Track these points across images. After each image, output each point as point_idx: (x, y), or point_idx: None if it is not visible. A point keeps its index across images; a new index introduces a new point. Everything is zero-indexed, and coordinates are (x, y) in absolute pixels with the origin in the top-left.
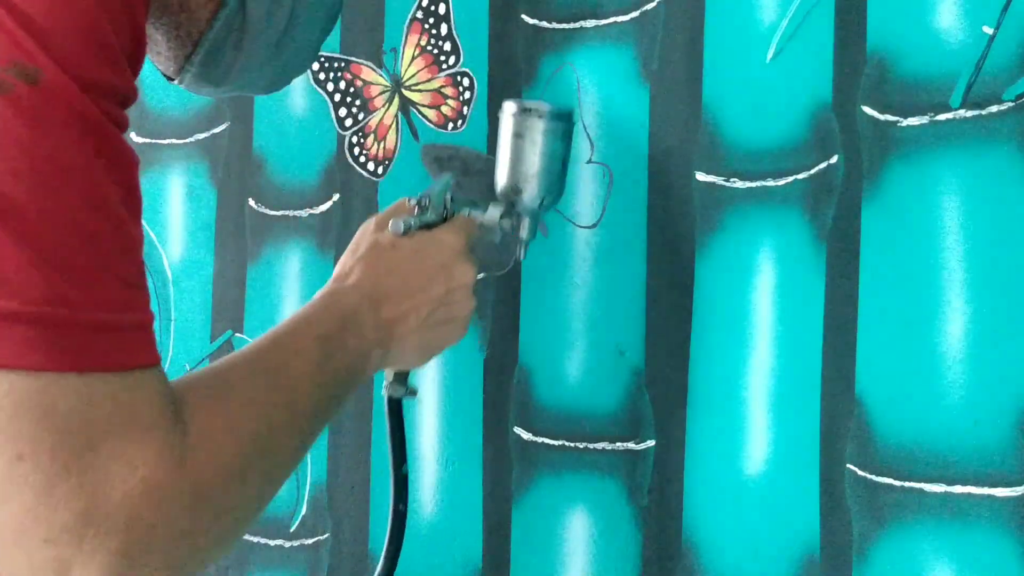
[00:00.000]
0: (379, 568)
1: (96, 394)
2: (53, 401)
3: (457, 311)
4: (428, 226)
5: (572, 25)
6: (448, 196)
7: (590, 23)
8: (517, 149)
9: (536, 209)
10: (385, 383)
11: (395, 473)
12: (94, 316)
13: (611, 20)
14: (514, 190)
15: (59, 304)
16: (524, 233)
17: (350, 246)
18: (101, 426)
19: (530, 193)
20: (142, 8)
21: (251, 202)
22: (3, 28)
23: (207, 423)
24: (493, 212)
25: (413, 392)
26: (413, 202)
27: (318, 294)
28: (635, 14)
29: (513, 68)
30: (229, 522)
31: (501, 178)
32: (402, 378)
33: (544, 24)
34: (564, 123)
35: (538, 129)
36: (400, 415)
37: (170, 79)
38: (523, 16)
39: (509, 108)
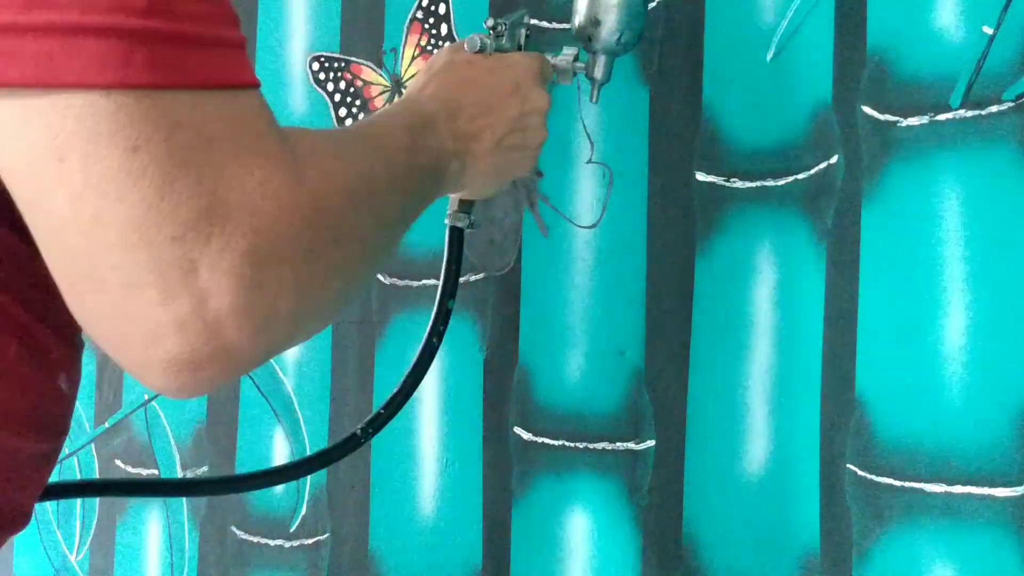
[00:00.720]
0: (395, 393)
1: (205, 104)
2: (163, 109)
3: (530, 137)
4: (503, 51)
5: None
6: (522, 31)
7: None
8: None
9: (613, 45)
10: (449, 211)
11: (441, 303)
12: (195, 29)
13: None
14: (592, 22)
15: (160, 16)
16: (599, 73)
17: (424, 66)
18: (213, 129)
19: (609, 26)
20: None
21: None
22: None
23: (316, 148)
24: (567, 52)
25: (473, 224)
26: (488, 24)
27: (394, 103)
28: None
29: None
30: (349, 253)
31: (580, 11)
32: (467, 207)
33: (544, 24)
34: None
35: None
36: (460, 246)
37: None
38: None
39: None
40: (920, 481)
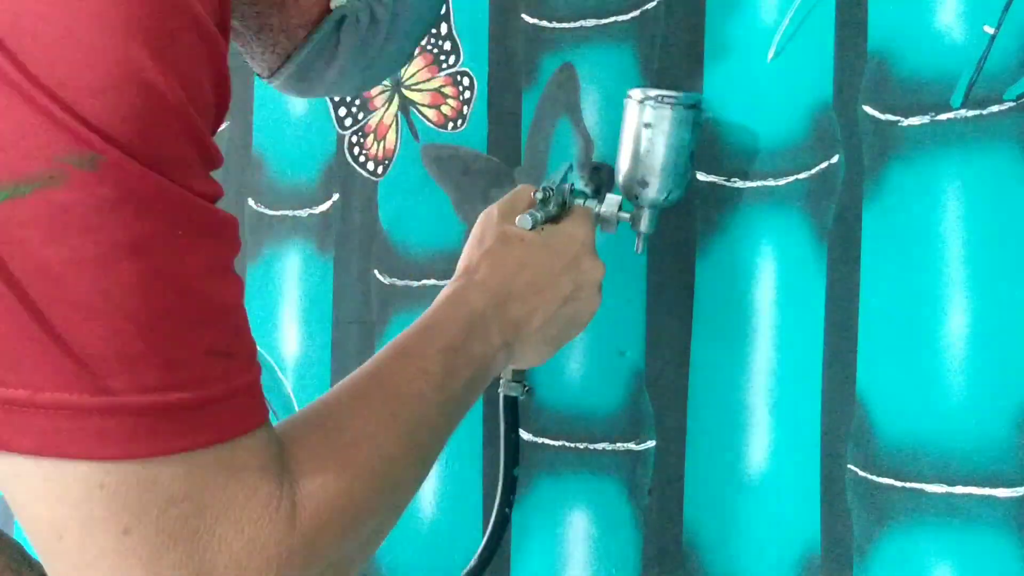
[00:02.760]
0: (471, 567)
1: (196, 468)
2: (155, 480)
3: (583, 307)
4: (552, 219)
5: (572, 24)
6: (568, 187)
7: (590, 22)
8: (644, 140)
9: (661, 203)
10: (502, 381)
11: (506, 474)
12: (180, 396)
13: (611, 20)
14: (640, 183)
15: (138, 391)
16: (644, 227)
17: (473, 236)
18: (205, 495)
19: (655, 187)
20: (220, 53)
21: (250, 202)
22: (52, 119)
23: (317, 470)
24: (611, 202)
25: (530, 391)
26: (537, 194)
27: (443, 294)
28: (635, 14)
29: (513, 68)
30: (346, 565)
31: (625, 169)
32: (520, 376)
33: (544, 23)
34: (695, 111)
35: (668, 118)
36: (516, 414)
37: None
38: (523, 16)
39: (636, 95)
40: (921, 482)
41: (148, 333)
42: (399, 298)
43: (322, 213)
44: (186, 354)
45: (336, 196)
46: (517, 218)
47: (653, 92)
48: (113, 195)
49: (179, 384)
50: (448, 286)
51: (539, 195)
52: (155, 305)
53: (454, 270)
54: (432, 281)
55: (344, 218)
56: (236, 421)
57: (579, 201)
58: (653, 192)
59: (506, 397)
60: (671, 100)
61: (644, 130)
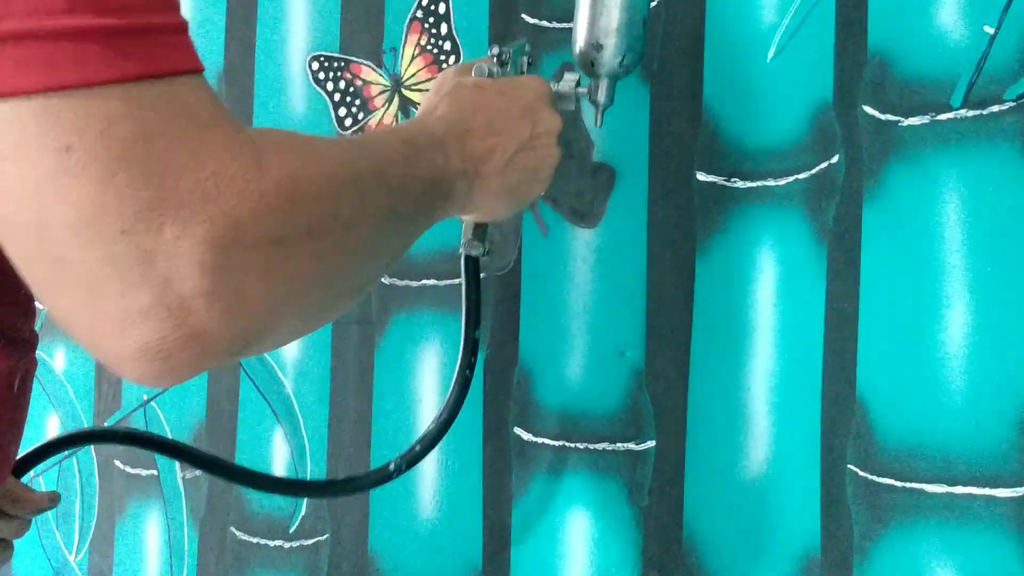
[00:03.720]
0: (430, 429)
1: (140, 98)
2: (94, 106)
3: (542, 158)
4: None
5: (572, 24)
6: (525, 59)
7: None
8: (596, 3)
9: (616, 68)
10: (463, 240)
11: (467, 335)
12: (125, 20)
13: None
14: (595, 47)
15: (83, 12)
16: (602, 96)
17: (432, 87)
18: (152, 123)
19: (610, 50)
20: None
21: None
22: None
23: (282, 141)
24: (569, 78)
25: (488, 252)
26: (493, 52)
27: (399, 127)
28: None
29: None
30: (329, 245)
31: (580, 36)
32: (480, 234)
33: (544, 24)
34: None
35: None
36: (477, 274)
37: None
38: (523, 15)
39: None
40: (921, 482)
41: None
42: (399, 298)
43: None
44: None
45: None
46: (474, 69)
47: None
48: None
49: (105, 7)
50: (405, 123)
51: (495, 50)
52: None
53: (454, 270)
54: (432, 281)
55: None
56: (176, 56)
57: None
58: (609, 54)
59: (467, 257)
60: None
61: None
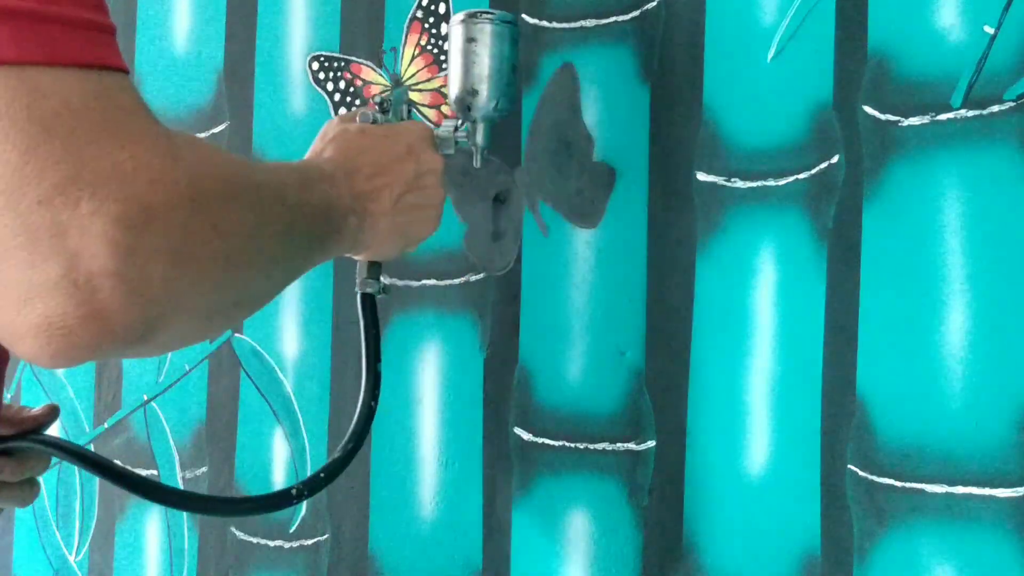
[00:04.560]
0: (335, 457)
1: (71, 81)
2: (25, 81)
3: (429, 197)
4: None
5: (572, 25)
6: (405, 107)
7: (590, 23)
8: (469, 53)
9: (491, 113)
10: (358, 280)
11: (369, 369)
12: (64, 10)
13: (611, 20)
14: (470, 92)
15: None
16: (480, 139)
17: (318, 135)
18: (79, 103)
19: (484, 95)
20: None
21: None
22: None
23: (194, 140)
24: (447, 124)
25: (385, 290)
26: (375, 98)
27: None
28: (635, 14)
29: None
30: (231, 245)
31: (455, 85)
32: (375, 272)
33: (544, 24)
34: (511, 27)
35: (488, 32)
36: (374, 311)
37: None
38: (523, 15)
39: (458, 17)
40: (921, 482)
41: None
42: (399, 298)
43: None
44: None
45: None
46: (358, 116)
47: (473, 11)
48: None
49: None
50: (294, 161)
51: (377, 99)
52: None
53: (454, 270)
54: (432, 281)
55: None
56: (107, 52)
57: (418, 119)
58: (483, 99)
59: (363, 295)
60: (489, 17)
61: (469, 45)
